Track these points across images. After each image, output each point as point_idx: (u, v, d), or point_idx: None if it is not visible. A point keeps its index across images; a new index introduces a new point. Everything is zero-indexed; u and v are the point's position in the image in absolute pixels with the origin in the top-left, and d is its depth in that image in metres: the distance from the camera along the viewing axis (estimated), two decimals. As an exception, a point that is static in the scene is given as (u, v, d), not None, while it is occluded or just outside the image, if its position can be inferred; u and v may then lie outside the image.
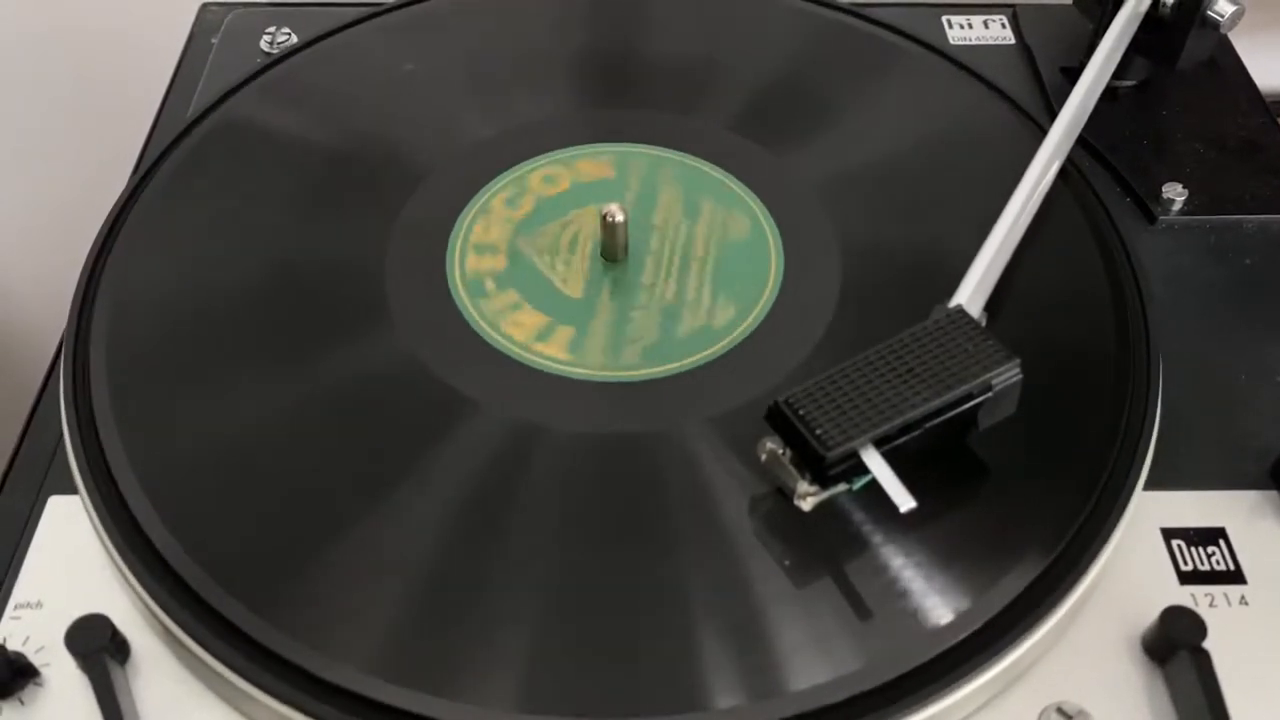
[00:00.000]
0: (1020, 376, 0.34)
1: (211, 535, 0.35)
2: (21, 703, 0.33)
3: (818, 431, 0.32)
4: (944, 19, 0.57)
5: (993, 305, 0.39)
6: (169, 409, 0.38)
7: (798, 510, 0.34)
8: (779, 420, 0.33)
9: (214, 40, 0.54)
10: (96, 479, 0.36)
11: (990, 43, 0.56)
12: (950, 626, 0.33)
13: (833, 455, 0.32)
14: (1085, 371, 0.40)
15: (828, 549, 0.35)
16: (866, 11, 0.53)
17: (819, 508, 0.34)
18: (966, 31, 0.56)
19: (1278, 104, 0.54)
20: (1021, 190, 0.42)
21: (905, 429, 0.33)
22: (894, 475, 0.32)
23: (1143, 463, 0.37)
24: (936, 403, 0.33)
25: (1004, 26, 0.57)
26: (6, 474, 0.39)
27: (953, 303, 0.37)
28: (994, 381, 0.34)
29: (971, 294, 0.37)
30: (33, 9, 0.70)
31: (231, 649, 0.32)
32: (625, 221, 0.42)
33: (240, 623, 0.33)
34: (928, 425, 0.33)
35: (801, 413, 0.33)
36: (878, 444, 0.33)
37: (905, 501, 0.32)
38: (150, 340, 0.40)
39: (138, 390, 0.38)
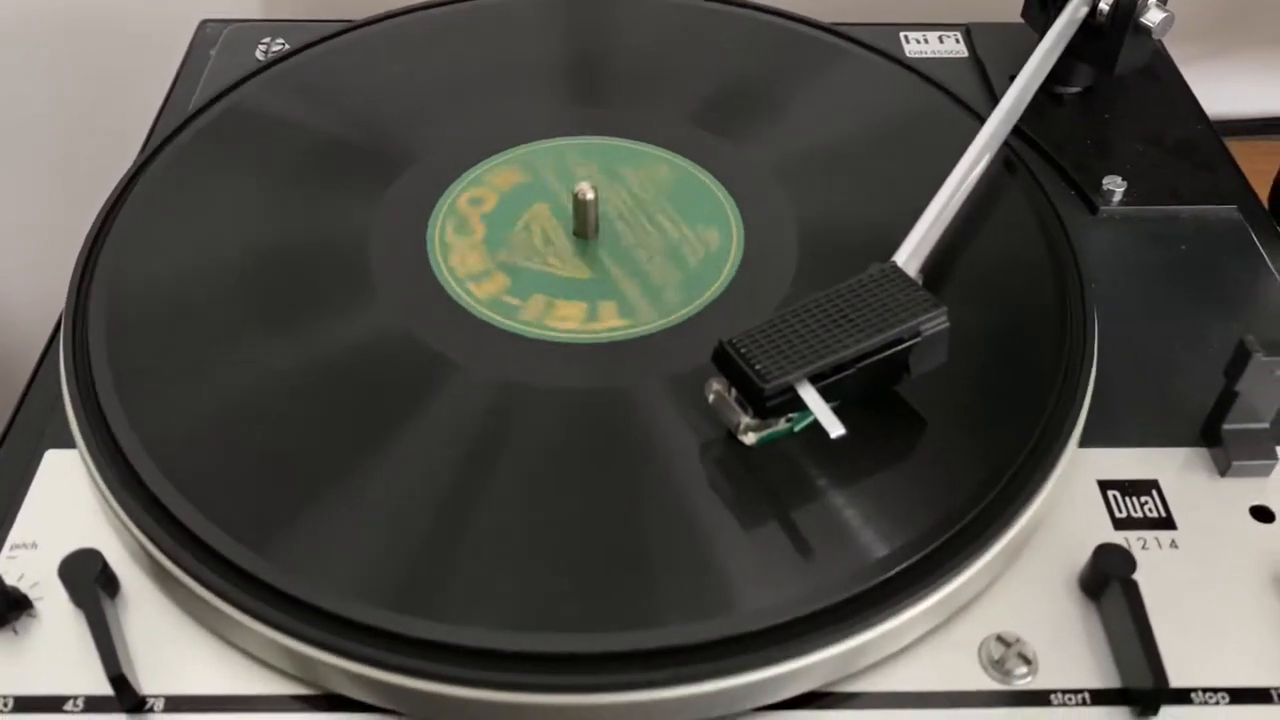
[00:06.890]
0: (947, 324, 0.37)
1: (200, 476, 0.37)
2: (15, 632, 0.35)
3: (757, 367, 0.35)
4: (902, 35, 0.60)
5: (941, 279, 0.42)
6: (164, 369, 0.40)
7: (750, 457, 0.36)
8: (724, 360, 0.36)
9: (211, 52, 0.57)
10: (92, 426, 0.38)
11: (945, 55, 0.59)
12: (891, 556, 0.35)
13: (770, 387, 0.34)
14: (1029, 335, 0.42)
15: (776, 489, 0.37)
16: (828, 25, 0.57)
17: (769, 453, 0.37)
18: (923, 46, 0.60)
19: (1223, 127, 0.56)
20: (964, 162, 0.44)
21: (839, 367, 0.35)
22: (826, 406, 0.35)
23: (1081, 405, 0.39)
24: (868, 344, 0.36)
25: (958, 41, 0.60)
26: (6, 432, 0.41)
27: (890, 261, 0.39)
28: (922, 327, 0.36)
29: (909, 255, 0.40)
30: (31, 17, 0.73)
31: (215, 574, 0.34)
32: (595, 199, 0.45)
33: (225, 551, 0.34)
34: (860, 365, 0.36)
35: (743, 351, 0.35)
36: (814, 380, 0.35)
37: (835, 429, 0.34)
38: (148, 308, 0.42)
39: (136, 353, 0.41)
